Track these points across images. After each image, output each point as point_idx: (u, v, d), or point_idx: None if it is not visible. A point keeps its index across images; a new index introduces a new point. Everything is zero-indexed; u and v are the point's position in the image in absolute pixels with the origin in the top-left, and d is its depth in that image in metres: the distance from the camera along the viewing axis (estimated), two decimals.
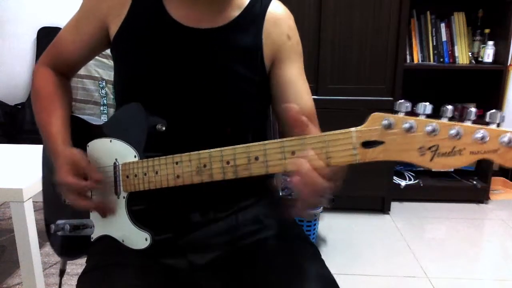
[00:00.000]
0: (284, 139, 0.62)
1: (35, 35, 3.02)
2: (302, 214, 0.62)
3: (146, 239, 0.78)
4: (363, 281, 1.94)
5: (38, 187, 1.33)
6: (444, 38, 2.68)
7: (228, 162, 0.66)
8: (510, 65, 2.66)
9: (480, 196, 2.77)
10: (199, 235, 0.86)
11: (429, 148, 0.52)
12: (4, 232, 2.29)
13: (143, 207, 0.82)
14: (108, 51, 0.91)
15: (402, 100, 0.54)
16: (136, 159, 0.79)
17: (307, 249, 0.84)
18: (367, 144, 0.56)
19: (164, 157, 0.74)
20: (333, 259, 2.09)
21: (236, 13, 0.85)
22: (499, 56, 2.62)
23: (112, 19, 0.85)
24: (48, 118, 0.86)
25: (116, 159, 0.82)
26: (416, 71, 2.69)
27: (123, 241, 0.81)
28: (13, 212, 1.33)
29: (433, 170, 0.58)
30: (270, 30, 0.86)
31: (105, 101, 2.91)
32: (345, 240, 2.30)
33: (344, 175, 0.62)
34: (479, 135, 0.49)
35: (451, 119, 0.51)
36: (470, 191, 2.76)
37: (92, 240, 0.86)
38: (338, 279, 0.78)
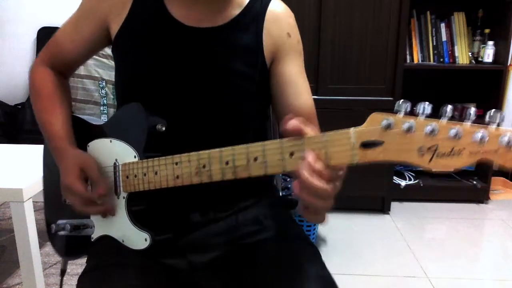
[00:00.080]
0: (283, 139, 0.61)
1: (35, 35, 3.02)
2: (311, 220, 0.62)
3: (145, 240, 0.78)
4: (363, 281, 1.94)
5: (38, 187, 1.34)
6: (444, 38, 2.68)
7: (227, 163, 0.66)
8: (510, 65, 2.66)
9: (480, 196, 2.77)
10: (199, 235, 0.86)
11: (429, 149, 0.51)
12: (4, 232, 2.29)
13: (143, 207, 0.82)
14: (108, 51, 0.91)
15: (402, 100, 0.54)
16: (136, 159, 0.79)
17: (307, 250, 0.84)
18: (367, 145, 0.56)
19: (163, 157, 0.74)
20: (333, 259, 2.09)
21: (236, 11, 0.85)
22: (499, 56, 2.62)
23: (113, 18, 0.85)
24: (50, 118, 0.86)
25: (116, 159, 0.82)
26: (416, 71, 2.69)
27: (123, 241, 0.81)
28: (13, 212, 1.33)
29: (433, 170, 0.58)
30: (271, 29, 0.86)
31: (105, 101, 2.91)
32: (345, 240, 2.30)
33: (344, 175, 0.61)
34: (478, 135, 0.48)
35: (451, 119, 0.51)
36: (470, 191, 2.76)
37: (92, 240, 0.86)
38: (338, 279, 0.78)
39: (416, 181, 2.77)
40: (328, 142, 0.58)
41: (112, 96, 2.90)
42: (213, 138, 0.81)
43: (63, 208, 0.91)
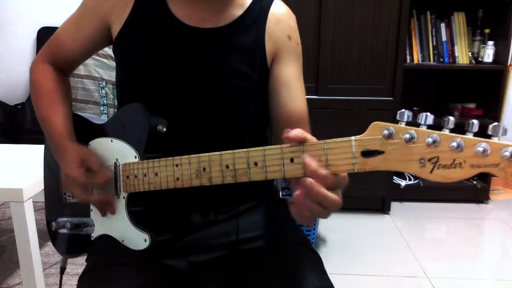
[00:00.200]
0: (284, 145, 0.61)
1: (35, 35, 3.02)
2: (303, 222, 0.61)
3: (145, 240, 0.78)
4: (363, 281, 1.94)
5: (38, 187, 1.34)
6: (444, 38, 2.68)
7: (227, 166, 0.66)
8: (510, 65, 2.66)
9: (480, 196, 2.77)
10: (199, 236, 0.86)
11: (429, 160, 0.51)
12: (4, 232, 2.29)
13: (143, 207, 0.82)
14: (108, 51, 0.91)
15: (404, 109, 0.54)
16: (137, 159, 0.79)
17: (308, 255, 0.84)
18: (367, 154, 0.55)
19: (164, 159, 0.74)
20: (333, 259, 2.09)
21: (238, 12, 0.85)
22: (499, 56, 2.62)
23: (115, 18, 0.85)
24: (51, 114, 0.86)
25: (116, 159, 0.82)
26: (416, 71, 2.69)
27: (122, 241, 0.82)
28: (13, 212, 1.33)
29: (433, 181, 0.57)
30: (272, 30, 0.86)
31: (105, 101, 2.91)
32: (345, 240, 2.30)
33: (346, 184, 0.60)
34: (480, 148, 0.48)
35: (452, 130, 0.51)
36: (470, 191, 2.76)
37: (92, 239, 0.87)
38: (338, 279, 0.78)
39: (416, 181, 2.77)
40: (328, 150, 0.58)
41: (112, 96, 2.90)
42: (214, 138, 0.82)
43: (64, 207, 0.91)
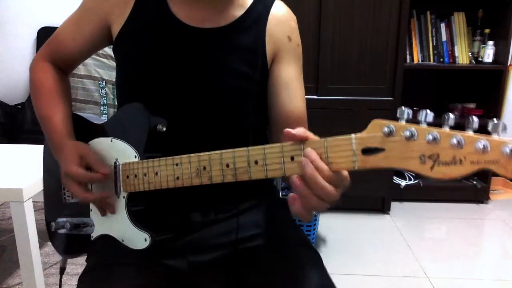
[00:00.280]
0: (284, 143, 0.61)
1: (35, 35, 3.02)
2: (302, 217, 0.61)
3: (145, 240, 0.78)
4: (363, 281, 1.94)
5: (38, 187, 1.34)
6: (444, 38, 2.68)
7: (227, 165, 0.66)
8: (510, 65, 2.66)
9: (480, 196, 2.77)
10: (199, 236, 0.86)
11: (430, 157, 0.51)
12: (4, 232, 2.29)
13: (143, 207, 0.82)
14: (108, 51, 0.91)
15: (403, 107, 0.54)
16: (137, 159, 0.79)
17: (308, 254, 0.84)
18: (368, 151, 0.55)
19: (164, 158, 0.74)
20: (333, 259, 2.09)
21: (239, 12, 0.85)
22: (499, 56, 2.62)
23: (115, 18, 0.85)
24: (51, 113, 0.86)
25: (116, 159, 0.82)
26: (416, 71, 2.69)
27: (123, 241, 0.81)
28: (13, 212, 1.33)
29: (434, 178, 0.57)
30: (272, 31, 0.86)
31: (105, 101, 2.91)
32: (345, 240, 2.30)
33: (347, 185, 0.60)
34: (480, 145, 0.48)
35: (452, 127, 0.51)
36: (470, 191, 2.76)
37: (92, 239, 0.86)
38: (338, 279, 0.78)
39: (416, 181, 2.77)
40: (329, 148, 0.58)
41: (112, 96, 2.90)
42: (214, 138, 0.82)
43: (64, 207, 0.91)
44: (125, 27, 0.85)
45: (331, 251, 2.18)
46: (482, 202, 2.77)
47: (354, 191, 2.52)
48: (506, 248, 2.28)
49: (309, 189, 0.58)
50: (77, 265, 1.85)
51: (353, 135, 0.56)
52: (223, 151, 0.67)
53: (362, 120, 0.56)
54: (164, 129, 0.78)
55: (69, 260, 1.15)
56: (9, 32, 3.05)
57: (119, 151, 0.81)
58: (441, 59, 2.69)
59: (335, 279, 0.79)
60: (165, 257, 0.85)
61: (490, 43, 2.61)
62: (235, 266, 0.85)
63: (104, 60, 2.84)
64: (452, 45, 2.68)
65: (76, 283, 0.82)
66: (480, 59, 2.68)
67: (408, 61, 2.69)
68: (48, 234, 0.96)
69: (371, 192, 2.55)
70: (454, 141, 0.49)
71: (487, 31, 2.65)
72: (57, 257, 2.01)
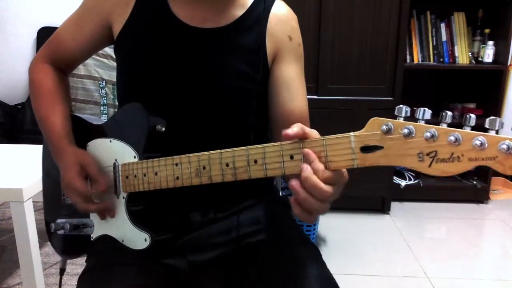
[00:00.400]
0: (283, 142, 0.61)
1: (35, 35, 3.02)
2: (304, 220, 0.61)
3: (145, 240, 0.78)
4: (363, 281, 1.94)
5: (38, 187, 1.34)
6: (444, 38, 2.68)
7: (227, 165, 0.66)
8: (510, 65, 2.66)
9: (480, 196, 2.77)
10: (199, 235, 0.86)
11: (428, 154, 0.51)
12: (4, 232, 2.29)
13: (143, 207, 0.83)
14: (108, 51, 0.91)
15: (402, 105, 0.54)
16: (136, 159, 0.79)
17: (307, 250, 0.84)
18: (366, 149, 0.56)
19: (163, 158, 0.74)
20: (333, 259, 2.09)
21: (240, 12, 0.86)
22: (499, 56, 2.62)
23: (116, 17, 0.85)
24: (50, 114, 0.86)
25: (116, 159, 0.82)
26: (416, 71, 2.70)
27: (122, 241, 0.82)
28: (13, 212, 1.33)
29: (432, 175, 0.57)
30: (273, 30, 0.86)
31: (105, 101, 2.91)
32: (345, 240, 2.30)
33: (345, 181, 0.60)
34: (477, 141, 0.48)
35: (450, 124, 0.51)
36: (470, 191, 2.76)
37: (92, 239, 0.86)
38: (338, 279, 0.78)
39: (416, 181, 2.77)
40: (328, 146, 0.58)
41: (112, 96, 2.90)
42: (214, 138, 0.82)
43: (63, 207, 0.91)
44: (126, 27, 0.85)
45: (331, 251, 2.18)
46: (482, 202, 2.77)
47: (354, 191, 2.53)
48: (506, 248, 2.28)
49: (307, 192, 0.58)
50: (77, 265, 1.85)
51: (352, 134, 0.57)
52: (222, 150, 0.67)
53: (362, 120, 0.57)
54: (163, 129, 0.78)
55: (69, 260, 1.15)
56: (9, 32, 3.05)
57: (118, 152, 0.81)
58: (441, 59, 2.69)
59: (335, 278, 0.79)
60: (165, 257, 0.85)
61: (490, 43, 2.61)
62: (235, 263, 0.85)
63: (104, 60, 2.83)
64: (452, 45, 2.68)
65: (76, 283, 0.82)
66: (480, 59, 2.68)
67: (408, 61, 2.69)
68: (47, 235, 0.96)
69: (371, 192, 2.55)
70: (452, 138, 0.49)
71: (487, 31, 2.65)
72: (57, 257, 2.01)
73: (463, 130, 0.50)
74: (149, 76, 0.83)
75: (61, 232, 0.91)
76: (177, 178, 0.72)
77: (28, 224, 1.34)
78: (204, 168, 0.69)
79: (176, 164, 0.72)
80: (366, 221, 2.52)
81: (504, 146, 0.47)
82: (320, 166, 0.58)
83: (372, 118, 0.55)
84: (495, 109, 2.65)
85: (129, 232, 0.80)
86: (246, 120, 0.86)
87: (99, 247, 0.86)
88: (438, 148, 0.51)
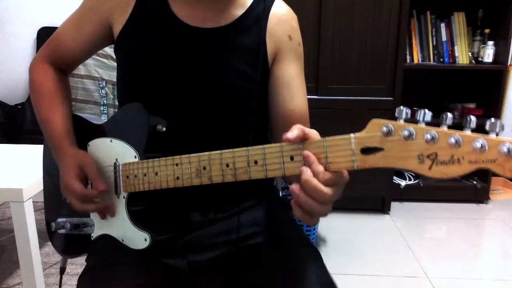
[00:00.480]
0: (284, 143, 0.61)
1: (35, 35, 3.03)
2: (306, 222, 0.61)
3: (145, 240, 0.78)
4: (363, 281, 1.94)
5: (38, 187, 1.34)
6: (444, 38, 2.68)
7: (227, 165, 0.66)
8: (510, 65, 2.66)
9: (480, 196, 2.77)
10: (199, 235, 0.86)
11: (428, 156, 0.51)
12: (4, 232, 2.29)
13: (143, 207, 0.83)
14: (108, 51, 0.91)
15: (402, 107, 0.54)
16: (136, 159, 0.79)
17: (307, 251, 0.84)
18: (367, 151, 0.56)
19: (164, 158, 0.74)
20: (333, 259, 2.09)
21: (239, 12, 0.86)
22: (499, 56, 2.62)
23: (116, 17, 0.85)
24: (51, 114, 0.86)
25: (116, 159, 0.82)
26: (416, 71, 2.69)
27: (123, 240, 0.82)
28: (13, 212, 1.33)
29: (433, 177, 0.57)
30: (273, 30, 0.86)
31: (105, 101, 2.91)
32: (345, 240, 2.30)
33: (345, 182, 0.60)
34: (478, 144, 0.48)
35: (450, 127, 0.51)
36: (470, 191, 2.76)
37: (92, 239, 0.87)
38: (338, 279, 0.78)
39: (416, 181, 2.77)
40: (328, 147, 0.58)
41: (112, 96, 2.90)
42: (214, 138, 0.82)
43: (63, 207, 0.91)
44: (126, 27, 0.85)
45: (331, 251, 2.18)
46: (482, 202, 2.77)
47: (354, 191, 2.53)
48: (506, 248, 2.28)
49: (308, 195, 0.58)
50: (77, 265, 1.85)
51: (352, 135, 0.56)
52: (223, 151, 0.67)
53: (362, 120, 0.57)
54: (164, 129, 0.78)
55: (69, 260, 1.15)
56: (9, 32, 3.05)
57: (119, 151, 0.81)
58: (441, 59, 2.69)
59: (335, 279, 0.79)
60: (165, 256, 0.85)
61: (490, 43, 2.61)
62: (235, 264, 0.85)
63: (104, 60, 2.84)
64: (452, 45, 2.68)
65: (76, 283, 0.82)
66: (480, 59, 2.68)
67: (408, 61, 2.69)
68: (48, 234, 0.96)
69: (371, 192, 2.55)
70: (452, 140, 0.49)
71: (487, 31, 2.65)
72: (57, 257, 2.01)
73: (463, 132, 0.49)
74: (150, 76, 0.83)
75: (61, 231, 0.91)
76: (178, 178, 0.72)
77: (28, 224, 1.34)
78: (204, 168, 0.69)
79: (177, 164, 0.72)
80: (366, 221, 2.52)
81: (505, 149, 0.47)
82: (320, 168, 0.57)
83: (373, 120, 0.55)
84: (495, 109, 2.65)
85: (129, 232, 0.80)
86: (246, 119, 0.86)
87: (99, 246, 0.86)
88: (438, 150, 0.51)
